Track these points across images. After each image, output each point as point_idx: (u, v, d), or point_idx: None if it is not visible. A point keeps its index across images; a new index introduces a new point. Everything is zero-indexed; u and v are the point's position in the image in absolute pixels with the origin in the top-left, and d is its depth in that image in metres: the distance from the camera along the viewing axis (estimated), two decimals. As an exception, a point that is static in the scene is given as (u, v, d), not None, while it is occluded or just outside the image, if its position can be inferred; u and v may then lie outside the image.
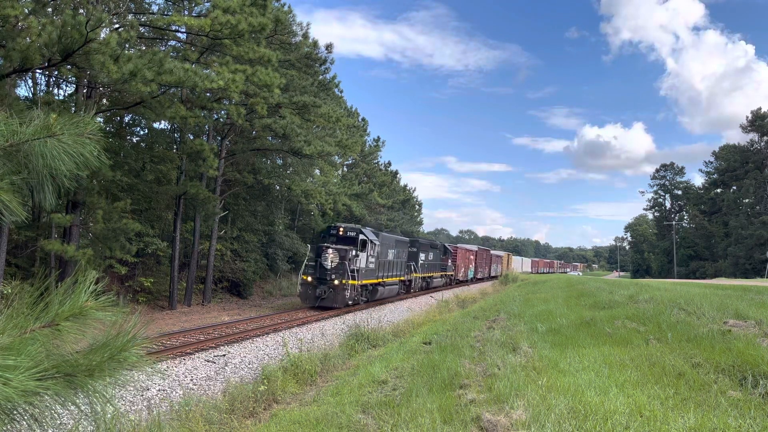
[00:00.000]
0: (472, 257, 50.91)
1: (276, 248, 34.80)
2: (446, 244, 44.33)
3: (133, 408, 8.67)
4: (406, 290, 31.88)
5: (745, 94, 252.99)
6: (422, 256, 33.92)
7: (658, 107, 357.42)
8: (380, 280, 25.52)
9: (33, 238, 20.33)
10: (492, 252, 67.26)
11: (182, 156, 25.51)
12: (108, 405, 1.51)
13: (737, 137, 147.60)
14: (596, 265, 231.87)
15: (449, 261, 42.50)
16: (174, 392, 9.85)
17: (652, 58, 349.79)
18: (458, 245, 49.25)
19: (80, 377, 1.41)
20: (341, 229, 23.60)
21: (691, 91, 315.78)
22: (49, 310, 1.48)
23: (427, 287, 36.28)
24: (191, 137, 27.59)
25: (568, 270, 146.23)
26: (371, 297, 25.08)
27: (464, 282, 47.87)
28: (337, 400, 8.08)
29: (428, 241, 39.01)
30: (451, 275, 43.42)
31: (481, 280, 56.20)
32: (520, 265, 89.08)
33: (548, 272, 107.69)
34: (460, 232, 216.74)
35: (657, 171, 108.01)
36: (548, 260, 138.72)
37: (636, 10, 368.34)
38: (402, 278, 29.47)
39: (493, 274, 63.02)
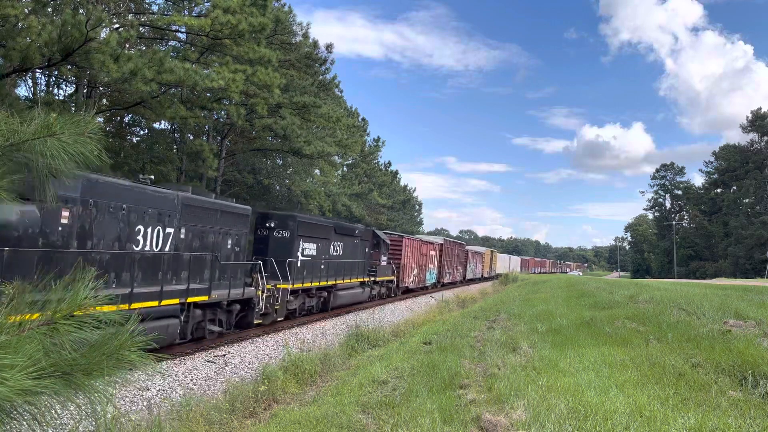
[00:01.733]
0: (432, 253, 36.65)
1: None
2: (379, 231, 28.70)
3: (133, 408, 8.66)
4: (232, 324, 14.50)
5: (745, 94, 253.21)
6: (309, 247, 18.39)
7: (657, 107, 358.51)
8: None
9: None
10: (468, 248, 52.58)
11: (182, 156, 25.52)
12: (108, 404, 1.51)
13: (737, 137, 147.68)
14: (594, 265, 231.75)
15: (383, 258, 26.82)
16: (174, 392, 9.84)
17: (650, 59, 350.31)
18: (407, 235, 34.02)
19: (79, 376, 1.41)
20: None
21: (690, 91, 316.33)
22: (47, 308, 1.48)
23: (323, 308, 20.41)
24: (191, 137, 27.63)
25: (567, 270, 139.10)
26: None
27: (419, 290, 33.89)
28: (337, 400, 8.07)
29: (331, 221, 21.91)
30: (390, 281, 28.07)
31: (452, 284, 43.04)
32: (508, 264, 76.70)
33: (540, 273, 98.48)
34: (460, 232, 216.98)
35: (657, 171, 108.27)
36: (540, 259, 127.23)
37: (634, 11, 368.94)
38: (205, 297, 12.82)
39: (469, 276, 49.51)
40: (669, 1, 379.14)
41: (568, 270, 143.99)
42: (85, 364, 1.41)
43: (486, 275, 58.18)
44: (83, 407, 1.49)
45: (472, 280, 51.04)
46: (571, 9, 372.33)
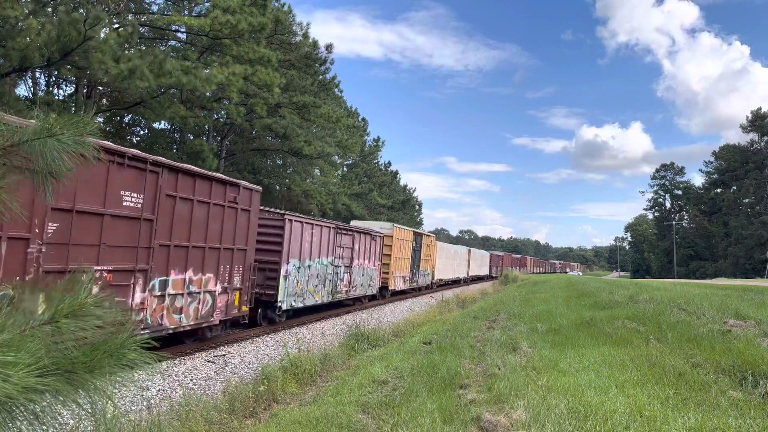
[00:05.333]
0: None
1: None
2: None
3: (133, 408, 8.66)
4: None
5: (743, 95, 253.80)
6: None
7: (656, 108, 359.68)
8: None
9: (33, 238, 20.28)
10: (357, 227, 22.17)
11: (182, 156, 25.51)
12: (108, 403, 1.51)
13: (735, 138, 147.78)
14: (594, 265, 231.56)
15: None
16: (174, 392, 9.84)
17: (648, 60, 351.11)
18: None
19: (80, 374, 1.41)
20: None
21: (688, 92, 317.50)
22: (49, 307, 1.48)
23: None
24: (191, 137, 27.61)
25: (559, 270, 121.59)
26: None
27: None
28: (337, 400, 8.07)
29: None
30: None
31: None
32: (465, 261, 43.84)
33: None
34: (460, 232, 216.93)
35: (657, 171, 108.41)
36: (518, 256, 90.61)
37: (631, 13, 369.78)
38: None
39: (316, 299, 18.64)
40: (666, 3, 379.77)
41: (568, 270, 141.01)
42: (87, 362, 1.41)
43: (403, 287, 28.08)
44: (84, 405, 1.50)
45: (327, 308, 20.79)
46: (569, 9, 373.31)
